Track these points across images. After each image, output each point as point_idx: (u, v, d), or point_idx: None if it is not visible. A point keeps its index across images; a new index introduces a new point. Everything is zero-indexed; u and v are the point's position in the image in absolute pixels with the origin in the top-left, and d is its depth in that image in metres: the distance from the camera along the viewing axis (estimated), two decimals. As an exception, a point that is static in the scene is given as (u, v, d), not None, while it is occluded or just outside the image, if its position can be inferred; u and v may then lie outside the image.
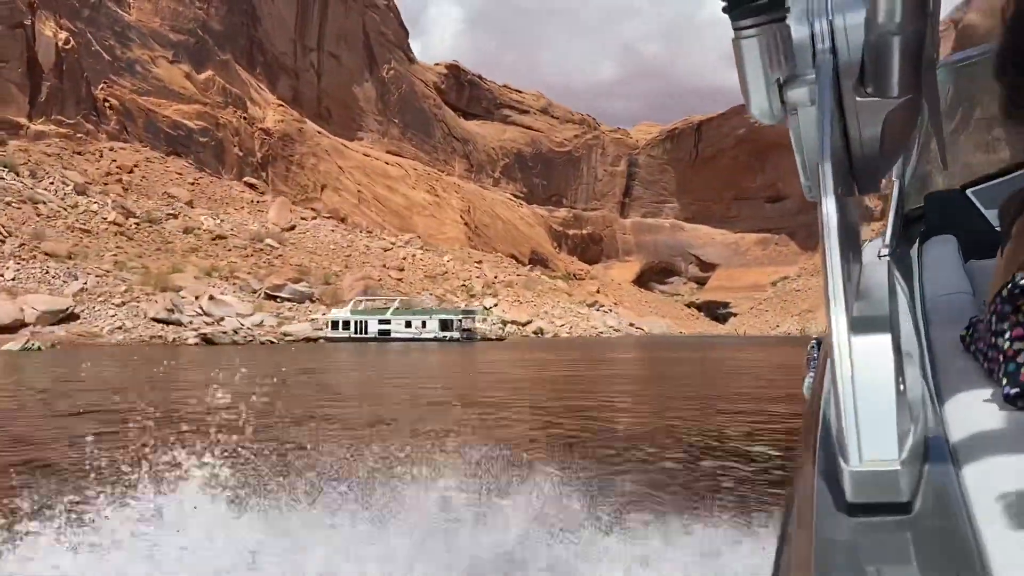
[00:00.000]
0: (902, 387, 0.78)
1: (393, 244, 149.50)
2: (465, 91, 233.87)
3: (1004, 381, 0.84)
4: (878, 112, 0.97)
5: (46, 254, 76.89)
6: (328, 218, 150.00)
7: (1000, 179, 2.51)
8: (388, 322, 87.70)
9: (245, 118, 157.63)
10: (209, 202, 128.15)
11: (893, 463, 0.72)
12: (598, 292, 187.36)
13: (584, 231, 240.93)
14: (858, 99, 0.96)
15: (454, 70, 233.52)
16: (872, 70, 0.94)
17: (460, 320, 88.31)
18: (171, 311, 72.89)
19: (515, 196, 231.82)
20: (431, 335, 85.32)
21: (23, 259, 74.31)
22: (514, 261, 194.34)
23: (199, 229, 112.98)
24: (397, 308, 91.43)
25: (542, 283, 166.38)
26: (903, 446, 0.73)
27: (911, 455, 0.75)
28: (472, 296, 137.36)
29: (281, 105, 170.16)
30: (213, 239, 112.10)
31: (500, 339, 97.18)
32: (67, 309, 68.03)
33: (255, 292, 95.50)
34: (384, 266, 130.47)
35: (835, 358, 0.76)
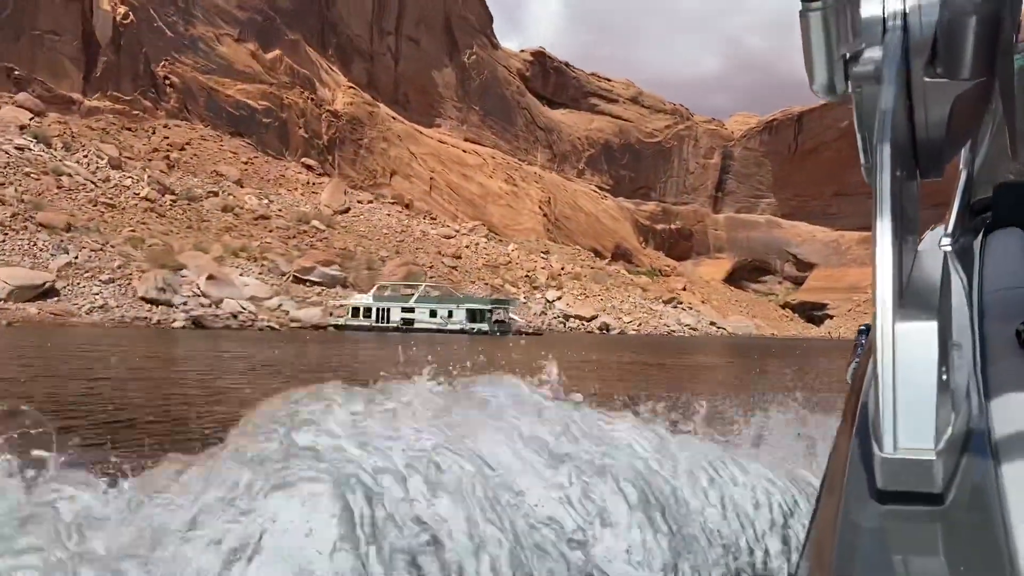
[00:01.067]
0: (944, 377, 0.76)
1: (457, 232, 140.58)
2: (551, 79, 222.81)
3: None
4: (947, 94, 0.92)
5: (41, 225, 70.58)
6: (392, 203, 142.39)
7: None
8: (412, 310, 78.44)
9: (313, 99, 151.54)
10: (260, 182, 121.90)
11: (928, 452, 0.70)
12: (683, 289, 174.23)
13: (673, 226, 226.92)
14: (927, 79, 0.91)
15: (540, 57, 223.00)
16: (944, 50, 0.89)
17: (490, 311, 78.38)
18: (162, 290, 65.31)
19: (600, 188, 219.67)
20: (458, 326, 75.63)
21: (12, 229, 68.11)
22: (593, 255, 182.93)
23: (240, 208, 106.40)
24: (423, 296, 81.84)
25: (614, 277, 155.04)
26: (941, 436, 0.71)
27: (949, 446, 0.73)
28: (535, 288, 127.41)
29: (352, 88, 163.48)
30: (255, 219, 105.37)
31: (538, 333, 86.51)
32: (44, 284, 61.14)
33: (283, 275, 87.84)
34: (439, 253, 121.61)
35: (878, 343, 0.74)
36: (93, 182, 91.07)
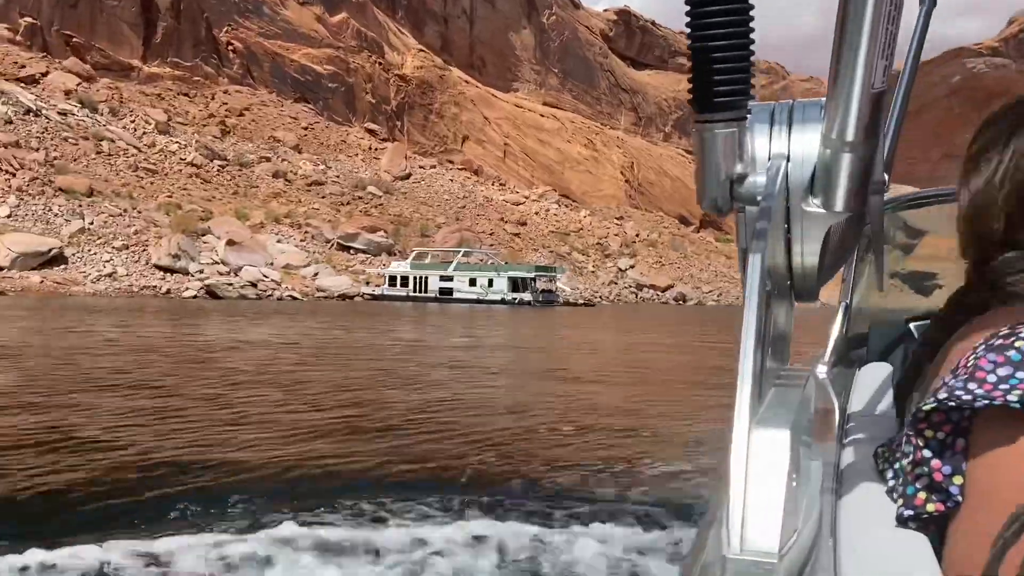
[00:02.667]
0: (795, 484, 0.79)
1: (526, 198, 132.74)
2: (636, 38, 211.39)
3: (900, 502, 0.86)
4: (822, 224, 0.97)
5: (60, 189, 66.39)
6: (460, 169, 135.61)
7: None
8: (450, 279, 71.28)
9: (380, 64, 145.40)
10: (320, 148, 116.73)
11: (772, 555, 0.72)
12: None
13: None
14: (804, 208, 0.96)
15: (624, 16, 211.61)
16: (822, 183, 0.95)
17: (534, 279, 70.47)
18: (176, 257, 60.06)
19: (688, 152, 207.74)
20: (499, 296, 68.14)
21: (29, 195, 64.05)
22: (678, 222, 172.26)
23: (293, 174, 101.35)
24: (461, 264, 74.39)
25: (696, 244, 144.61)
26: (786, 541, 0.73)
27: (794, 553, 0.75)
28: (607, 256, 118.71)
29: (422, 51, 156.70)
30: (308, 185, 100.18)
31: (589, 304, 78.06)
32: (50, 251, 56.65)
33: (328, 242, 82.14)
34: (502, 219, 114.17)
35: (732, 448, 0.77)
36: (136, 147, 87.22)
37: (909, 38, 2.08)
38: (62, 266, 56.94)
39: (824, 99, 0.91)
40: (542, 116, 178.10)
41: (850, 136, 0.88)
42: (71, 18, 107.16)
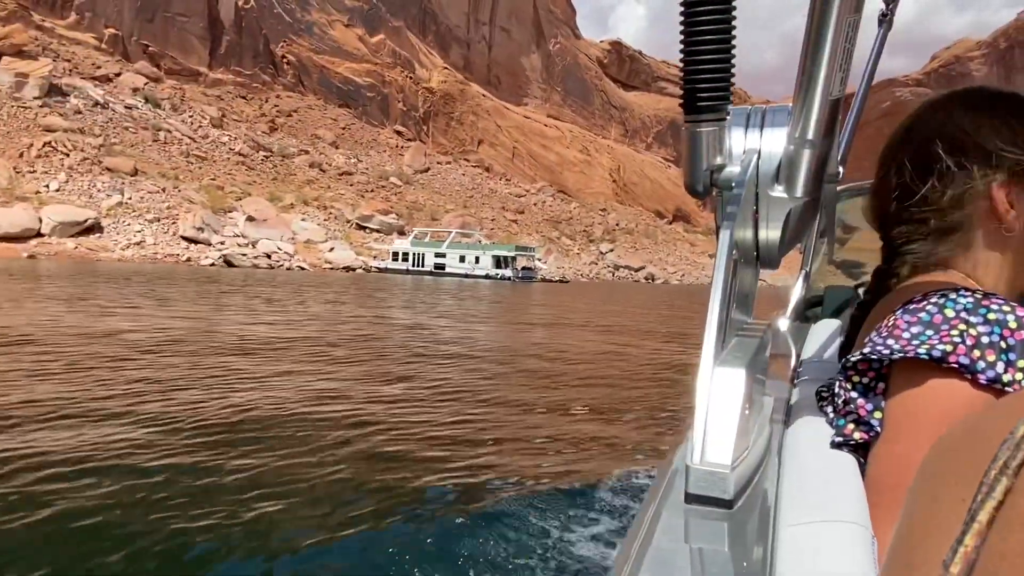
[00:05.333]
0: (747, 412, 0.78)
1: (527, 191, 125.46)
2: (626, 65, 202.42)
3: (834, 432, 0.86)
4: (784, 207, 0.95)
5: (107, 169, 59.97)
6: (473, 166, 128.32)
7: None
8: (443, 256, 64.43)
9: (411, 78, 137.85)
10: (353, 145, 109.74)
11: (725, 468, 0.71)
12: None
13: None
14: (770, 193, 0.94)
15: (616, 46, 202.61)
16: (786, 172, 0.93)
17: (514, 257, 63.36)
18: (200, 229, 53.68)
19: (665, 159, 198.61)
20: (483, 272, 61.34)
21: (78, 172, 57.72)
22: (655, 215, 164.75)
23: (328, 165, 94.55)
24: (454, 242, 67.30)
25: (667, 233, 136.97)
26: (737, 456, 0.72)
27: (743, 466, 0.75)
28: (591, 241, 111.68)
29: (447, 68, 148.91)
30: (339, 175, 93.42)
31: (563, 281, 70.95)
32: (86, 221, 50.34)
33: (348, 222, 75.51)
34: (503, 208, 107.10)
35: (699, 381, 0.75)
36: (191, 137, 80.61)
37: (866, 55, 1.95)
38: (97, 235, 50.68)
39: (790, 105, 0.88)
40: (546, 126, 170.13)
41: (811, 135, 0.86)
42: (148, 30, 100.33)
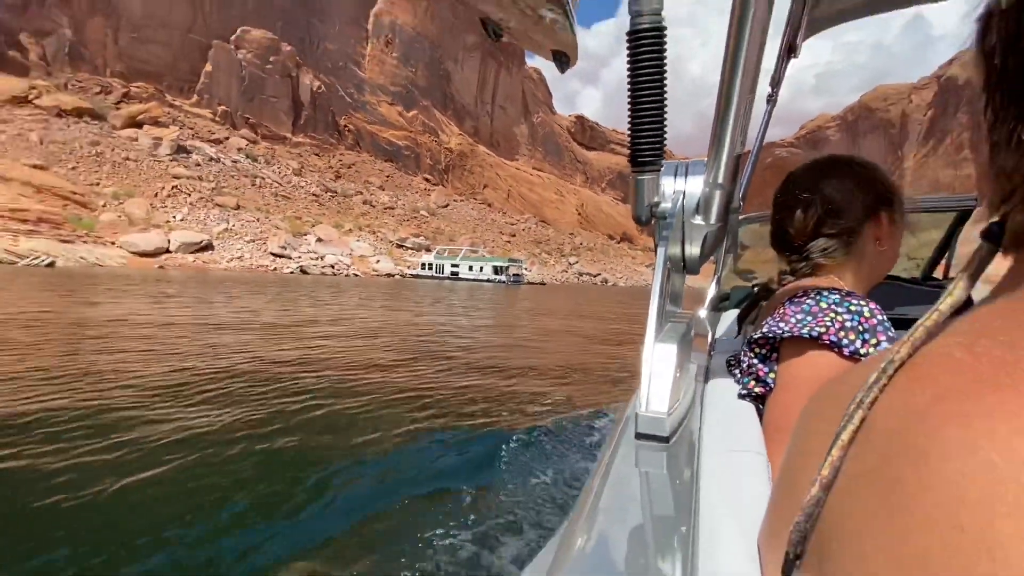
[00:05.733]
0: (678, 375, 0.77)
1: (517, 221, 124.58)
2: (587, 132, 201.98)
3: (740, 387, 0.85)
4: (703, 231, 0.94)
5: (218, 204, 58.99)
6: (481, 204, 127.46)
7: None
8: (457, 266, 63.64)
9: (436, 141, 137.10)
10: (395, 188, 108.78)
11: (663, 414, 0.70)
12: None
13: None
14: (693, 221, 0.93)
15: (580, 119, 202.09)
16: (703, 206, 0.92)
17: (507, 267, 62.40)
18: (284, 247, 52.75)
19: (615, 199, 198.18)
20: (486, 277, 60.55)
21: (196, 207, 56.71)
22: (607, 238, 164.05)
23: (377, 202, 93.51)
24: (464, 256, 66.49)
25: (616, 250, 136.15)
26: (672, 406, 0.72)
27: (676, 412, 0.74)
28: (563, 256, 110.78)
29: (461, 134, 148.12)
30: (384, 209, 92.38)
31: (542, 284, 70.30)
32: (201, 242, 49.36)
33: (390, 242, 74.57)
34: (500, 233, 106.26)
35: (644, 355, 0.74)
36: (278, 182, 79.57)
37: (758, 123, 2.02)
38: (209, 251, 49.73)
39: (705, 159, 0.89)
40: (531, 175, 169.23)
41: (720, 180, 0.86)
42: (249, 107, 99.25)
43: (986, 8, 0.22)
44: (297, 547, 2.26)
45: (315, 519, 2.49)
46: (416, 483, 2.95)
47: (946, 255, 2.41)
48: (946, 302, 0.25)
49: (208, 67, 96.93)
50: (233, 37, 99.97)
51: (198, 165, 69.68)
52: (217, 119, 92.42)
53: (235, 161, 77.95)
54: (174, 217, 53.52)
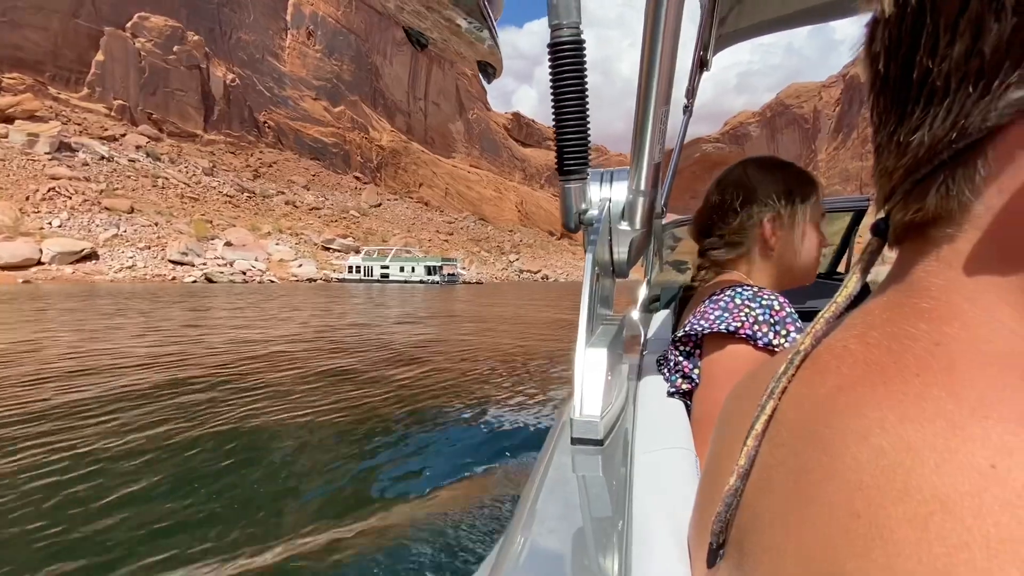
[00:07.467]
0: (610, 378, 0.78)
1: (455, 219, 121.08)
2: (524, 129, 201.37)
3: (668, 384, 0.87)
4: (629, 236, 0.96)
5: (106, 208, 51.94)
6: (416, 202, 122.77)
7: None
8: (387, 267, 59.54)
9: (366, 138, 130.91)
10: (321, 187, 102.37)
11: (596, 416, 0.72)
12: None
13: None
14: (619, 227, 0.95)
15: (517, 116, 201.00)
16: (628, 213, 0.94)
17: (441, 266, 59.10)
18: (184, 254, 46.86)
19: (553, 195, 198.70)
20: (418, 279, 56.98)
21: (79, 211, 49.55)
22: (548, 234, 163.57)
23: (301, 203, 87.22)
24: (395, 256, 62.43)
25: (556, 246, 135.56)
26: (604, 409, 0.74)
27: (609, 414, 0.76)
28: (503, 253, 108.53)
29: (394, 131, 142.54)
30: (309, 210, 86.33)
31: (479, 283, 67.71)
32: (82, 251, 42.75)
33: (314, 245, 69.20)
34: (437, 232, 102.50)
35: (576, 359, 0.75)
36: (186, 183, 72.03)
37: (676, 131, 2.09)
38: (93, 261, 43.20)
39: (628, 167, 0.92)
40: (468, 172, 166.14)
41: (642, 187, 0.88)
42: (150, 102, 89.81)
43: (872, 15, 0.23)
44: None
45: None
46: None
47: (846, 252, 2.59)
48: (842, 295, 0.26)
49: (100, 56, 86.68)
50: (129, 24, 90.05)
51: (85, 165, 61.47)
52: (113, 114, 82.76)
53: (132, 160, 69.75)
54: (50, 223, 46.31)
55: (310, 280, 51.88)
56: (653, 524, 0.50)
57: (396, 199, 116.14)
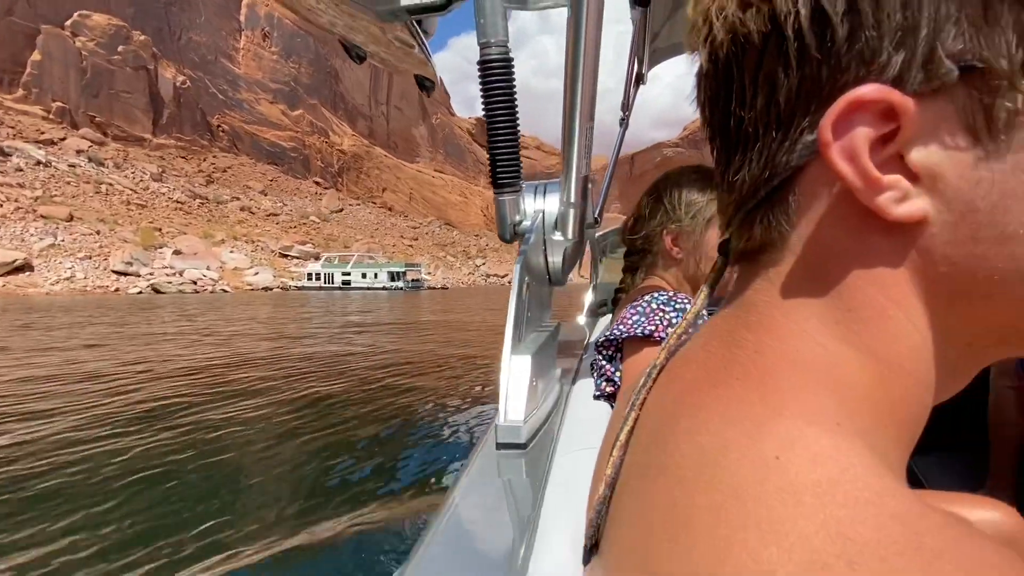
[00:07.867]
0: (535, 384, 0.78)
1: (420, 224, 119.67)
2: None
3: (595, 388, 0.88)
4: (562, 246, 0.98)
5: (42, 216, 48.83)
6: (378, 207, 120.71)
7: None
8: (349, 274, 58.09)
9: (327, 142, 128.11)
10: (280, 192, 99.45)
11: (519, 422, 0.72)
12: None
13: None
14: (553, 237, 0.97)
15: (481, 121, 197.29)
16: (561, 223, 0.96)
17: (404, 272, 57.82)
18: (129, 264, 44.46)
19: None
20: (381, 285, 55.86)
21: (11, 220, 46.40)
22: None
23: (257, 208, 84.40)
24: (356, 263, 61.04)
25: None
26: (528, 415, 0.73)
27: (533, 420, 0.75)
28: (469, 258, 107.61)
29: (355, 135, 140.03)
30: (267, 216, 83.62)
31: (445, 288, 66.98)
32: (14, 262, 39.94)
33: (272, 252, 66.91)
34: (401, 237, 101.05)
35: (502, 366, 0.75)
36: (132, 189, 68.59)
37: (612, 144, 2.04)
38: (26, 273, 40.41)
39: (559, 180, 0.95)
40: (432, 177, 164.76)
41: (572, 199, 0.91)
42: (94, 104, 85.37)
43: (698, 68, 0.25)
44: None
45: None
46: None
47: None
48: (691, 311, 0.29)
49: (37, 56, 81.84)
50: (68, 22, 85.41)
51: (19, 170, 57.73)
52: (51, 117, 78.19)
53: (73, 165, 65.97)
54: (-24, 233, 43.16)
55: (266, 289, 50.05)
56: (557, 521, 0.53)
57: (359, 204, 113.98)
